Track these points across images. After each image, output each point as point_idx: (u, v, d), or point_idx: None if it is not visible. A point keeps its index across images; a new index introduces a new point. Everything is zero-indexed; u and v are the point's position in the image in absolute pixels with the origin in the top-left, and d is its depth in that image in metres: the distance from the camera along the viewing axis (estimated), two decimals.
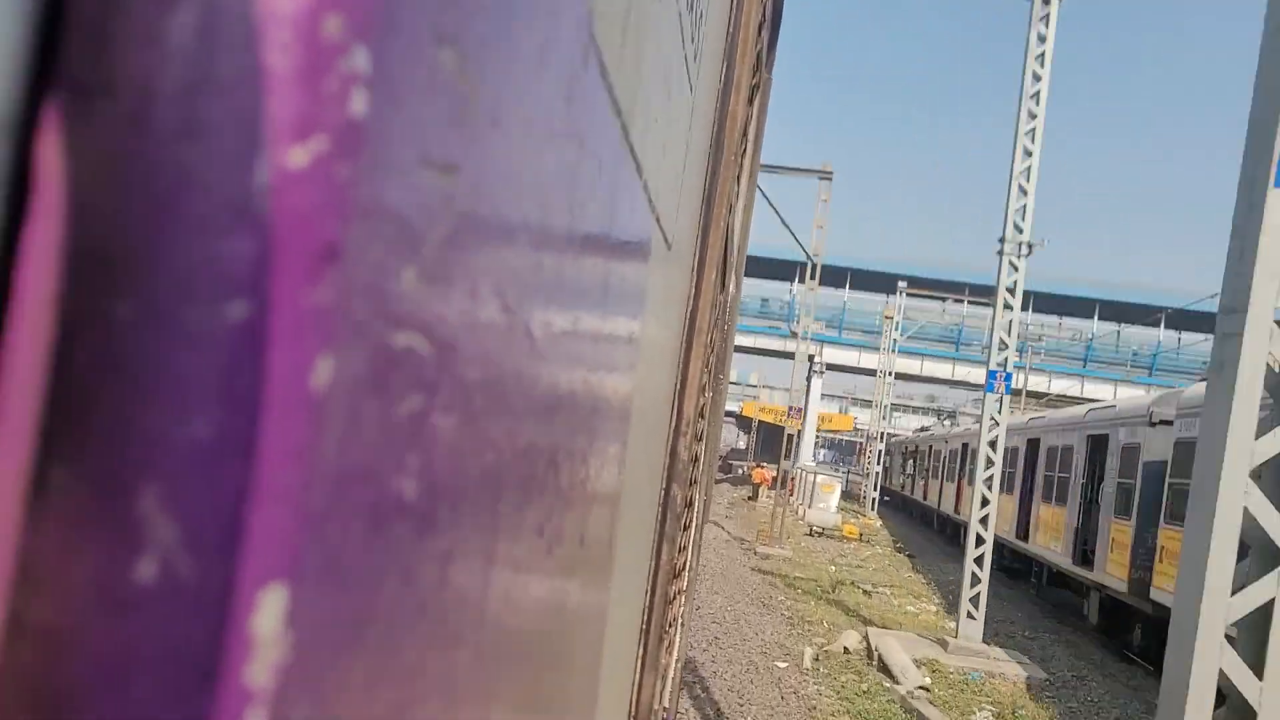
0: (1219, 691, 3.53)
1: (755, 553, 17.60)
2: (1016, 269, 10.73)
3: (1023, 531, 18.28)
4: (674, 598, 2.07)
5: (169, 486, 0.23)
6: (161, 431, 0.23)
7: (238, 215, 0.24)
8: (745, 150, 2.02)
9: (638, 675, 1.46)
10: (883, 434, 36.72)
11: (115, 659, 0.23)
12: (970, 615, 10.96)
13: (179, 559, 0.24)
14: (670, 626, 2.16)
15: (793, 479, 25.77)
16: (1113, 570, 12.95)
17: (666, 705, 2.47)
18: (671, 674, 2.57)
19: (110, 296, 0.23)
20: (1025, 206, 10.71)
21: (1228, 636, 3.53)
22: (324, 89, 0.25)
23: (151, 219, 0.23)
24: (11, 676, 0.23)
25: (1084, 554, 14.55)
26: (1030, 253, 10.73)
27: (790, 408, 24.00)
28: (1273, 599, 3.61)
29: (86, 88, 0.23)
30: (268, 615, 0.25)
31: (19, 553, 0.23)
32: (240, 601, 0.24)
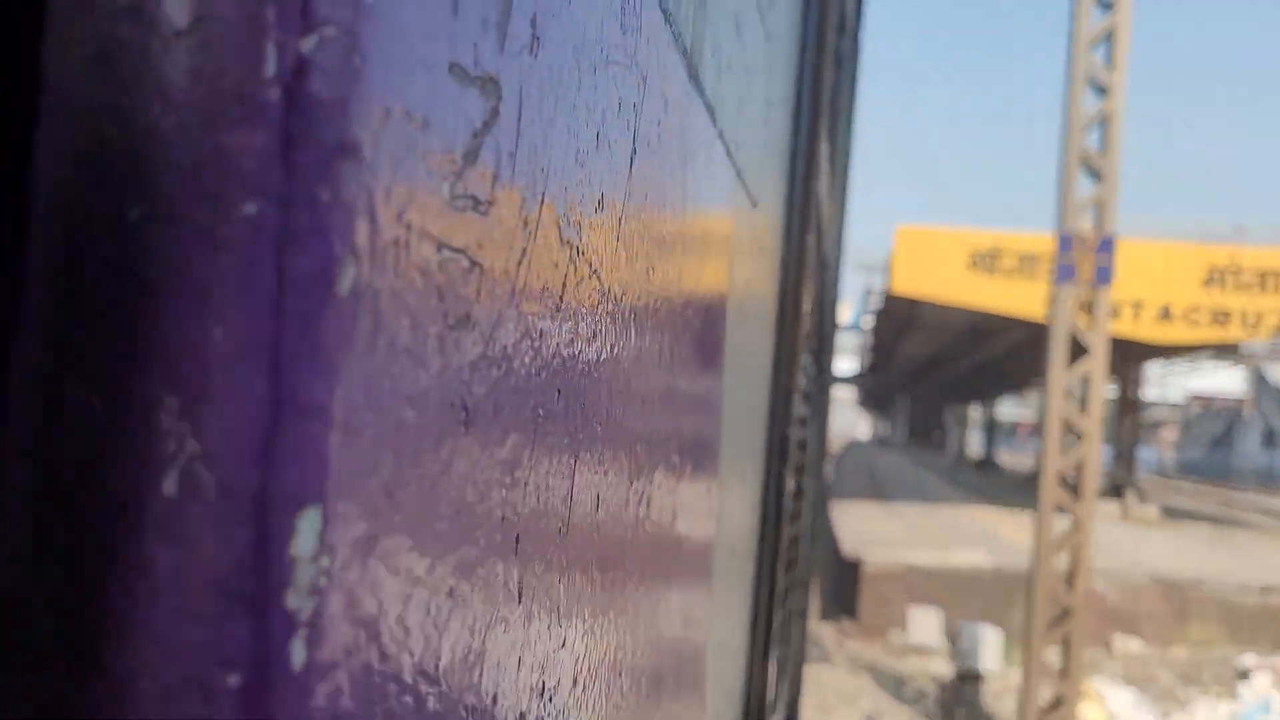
0: None
1: None
2: None
3: None
4: (787, 589, 2.03)
5: (190, 398, 0.22)
6: (179, 338, 0.22)
7: (246, 108, 0.22)
8: (835, 116, 1.96)
9: (751, 665, 1.43)
10: None
11: (144, 582, 0.22)
12: None
13: (204, 475, 0.22)
14: (785, 617, 2.12)
15: None
16: None
17: (784, 701, 2.42)
18: (788, 667, 2.53)
19: (119, 198, 0.22)
20: None
21: None
22: None
23: (157, 115, 0.22)
24: (41, 599, 0.22)
25: None
26: None
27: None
28: None
29: None
30: (304, 537, 0.23)
31: (41, 470, 0.22)
32: (273, 522, 0.23)
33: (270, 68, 0.22)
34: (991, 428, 42.33)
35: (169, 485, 0.22)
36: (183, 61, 0.22)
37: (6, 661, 0.22)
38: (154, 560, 0.22)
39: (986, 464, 35.25)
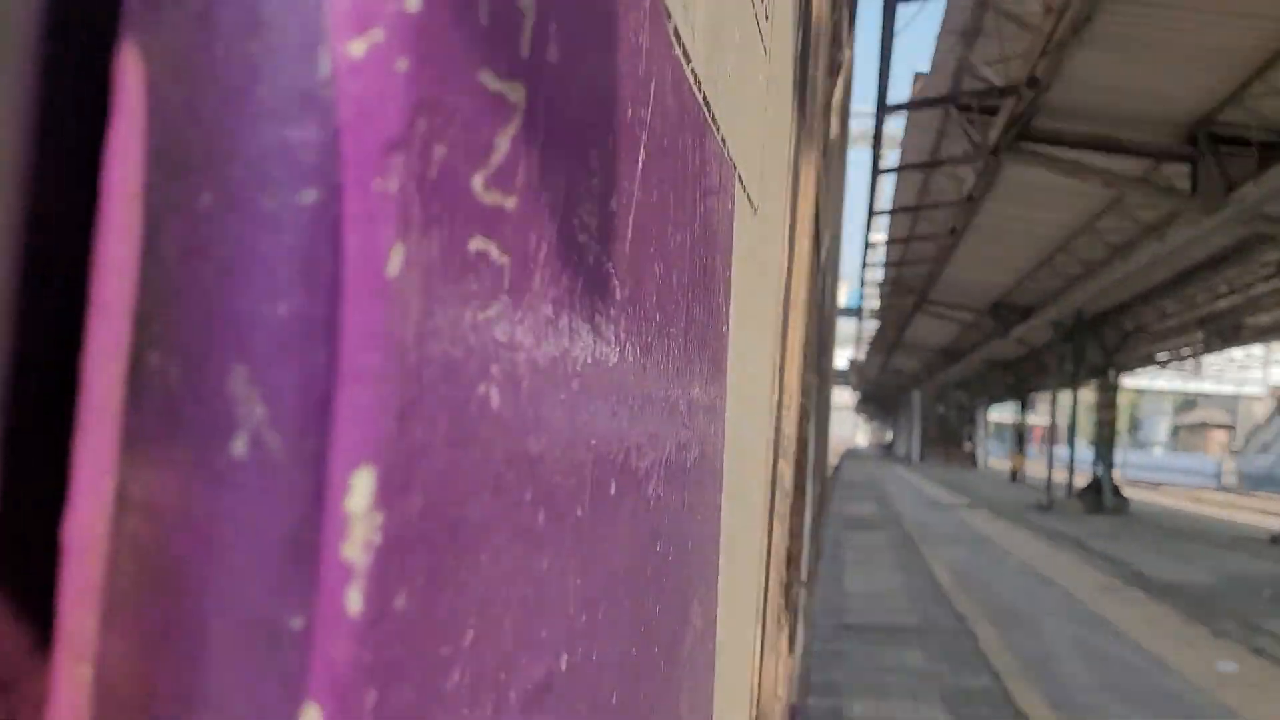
0: None
1: None
2: None
3: None
4: (791, 584, 2.06)
5: (257, 366, 0.24)
6: (247, 313, 0.24)
7: (303, 105, 0.25)
8: (830, 122, 2.00)
9: (757, 659, 1.45)
10: None
11: (217, 533, 0.24)
12: None
13: (270, 437, 0.24)
14: (790, 613, 2.14)
15: None
16: None
17: (792, 696, 2.45)
18: (795, 665, 2.55)
19: (191, 188, 0.24)
20: None
21: None
22: None
23: (223, 112, 0.24)
24: (123, 547, 0.24)
25: None
26: None
27: None
28: None
29: None
30: (359, 495, 0.26)
31: (122, 430, 0.24)
32: (332, 480, 0.25)
33: (325, 68, 0.25)
34: (1021, 432, 35.74)
35: (239, 446, 0.24)
36: (246, 63, 0.24)
37: (90, 606, 0.24)
38: (224, 515, 0.24)
39: (1095, 493, 21.19)
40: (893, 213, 15.38)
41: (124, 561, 0.24)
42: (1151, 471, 51.52)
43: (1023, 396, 35.29)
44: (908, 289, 21.61)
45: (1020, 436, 36.47)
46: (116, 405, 0.24)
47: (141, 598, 0.24)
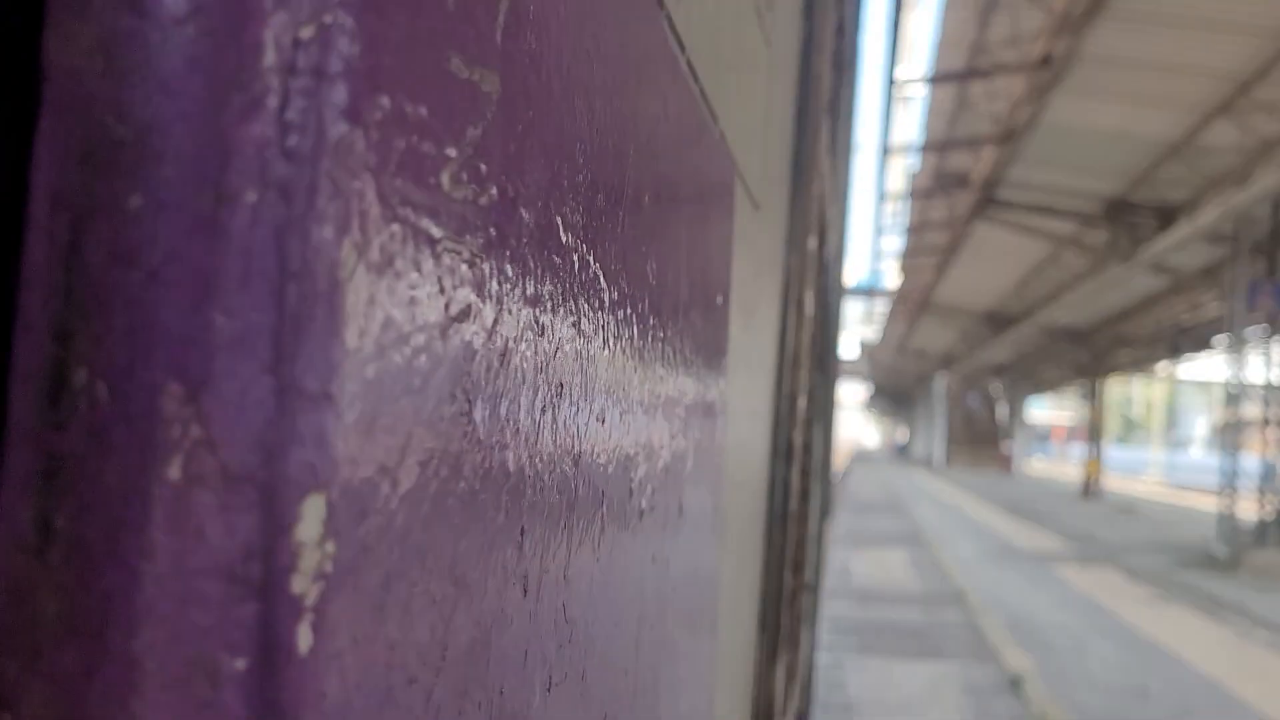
0: None
1: None
2: None
3: None
4: (796, 590, 2.03)
5: (193, 385, 0.22)
6: (181, 325, 0.22)
7: (246, 98, 0.23)
8: (836, 117, 1.96)
9: (761, 666, 1.42)
10: None
11: (149, 567, 0.22)
12: None
13: (209, 462, 0.22)
14: (794, 621, 2.11)
15: None
16: None
17: (797, 703, 2.42)
18: (799, 672, 2.52)
19: (120, 188, 0.22)
20: None
21: None
22: None
23: (157, 105, 0.22)
24: (44, 583, 0.22)
25: None
26: None
27: None
28: None
29: None
30: (309, 523, 0.24)
31: (43, 455, 0.22)
32: (279, 508, 0.23)
33: (269, 57, 0.23)
34: (1096, 429, 28.80)
35: (173, 471, 0.22)
36: (182, 51, 0.22)
37: (14, 647, 0.22)
38: (159, 545, 0.22)
39: None
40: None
41: (46, 598, 0.22)
42: (1198, 474, 42.19)
43: (1097, 377, 27.06)
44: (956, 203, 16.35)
45: (1095, 433, 28.11)
46: (40, 427, 0.22)
47: (66, 637, 0.22)
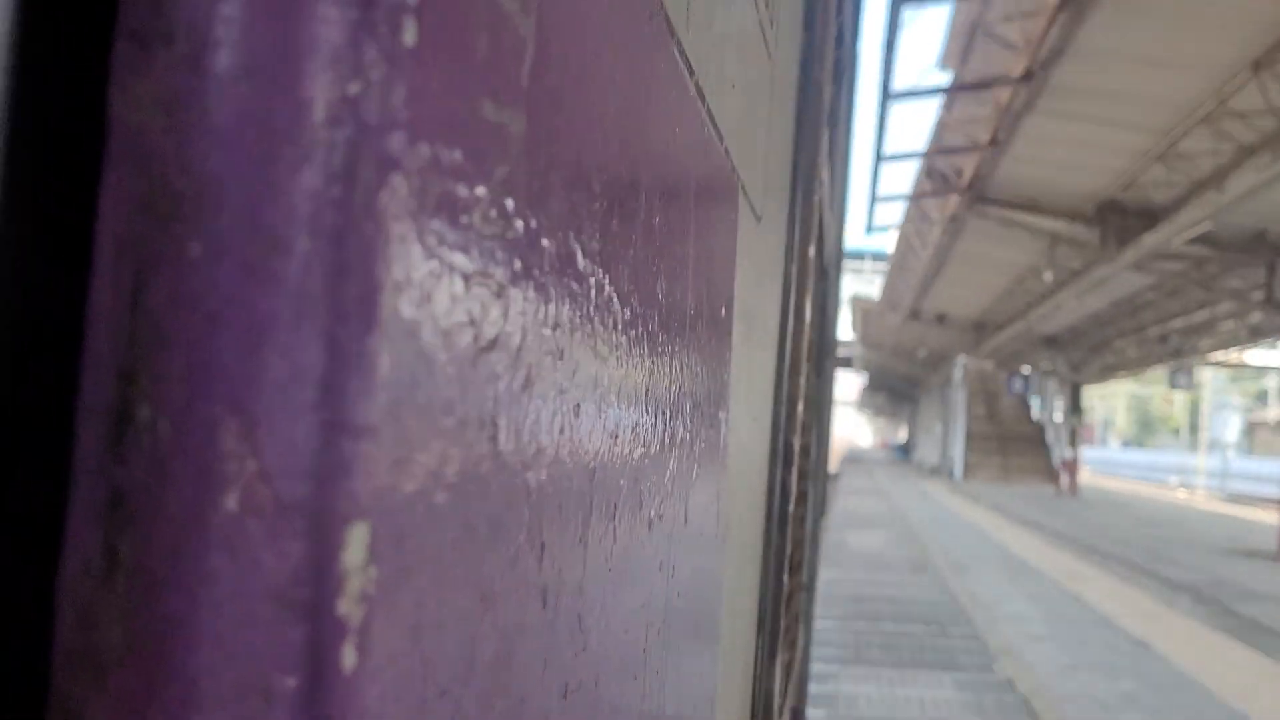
0: None
1: None
2: None
3: None
4: (792, 592, 2.05)
5: (249, 421, 0.24)
6: (238, 365, 0.24)
7: (297, 150, 0.24)
8: (835, 125, 1.98)
9: (759, 666, 1.44)
10: None
11: (207, 592, 0.24)
12: None
13: (262, 493, 0.24)
14: (791, 619, 2.13)
15: None
16: None
17: (793, 700, 2.45)
18: (795, 670, 2.54)
19: (180, 237, 0.24)
20: None
21: None
22: (373, 19, 0.25)
23: (213, 158, 0.24)
24: (110, 609, 0.23)
25: None
26: None
27: None
28: None
29: (146, 37, 0.24)
30: (354, 549, 0.25)
31: (109, 487, 0.23)
32: (327, 536, 0.24)
33: (319, 112, 0.24)
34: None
35: (230, 502, 0.24)
36: (237, 107, 0.24)
37: (81, 669, 0.23)
38: (217, 572, 0.24)
39: None
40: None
41: (111, 623, 0.23)
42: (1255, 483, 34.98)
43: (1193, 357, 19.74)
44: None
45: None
46: (105, 461, 0.23)
47: (131, 660, 0.23)
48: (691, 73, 0.60)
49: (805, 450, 1.89)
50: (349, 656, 0.25)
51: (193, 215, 0.24)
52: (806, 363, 1.49)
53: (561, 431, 0.41)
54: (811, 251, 1.30)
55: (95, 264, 0.23)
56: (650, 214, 0.53)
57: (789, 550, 1.72)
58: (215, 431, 0.23)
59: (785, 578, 1.68)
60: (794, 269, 1.23)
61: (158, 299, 0.23)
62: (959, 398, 30.91)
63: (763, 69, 0.92)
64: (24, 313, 0.24)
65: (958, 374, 30.50)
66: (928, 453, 40.82)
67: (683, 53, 0.57)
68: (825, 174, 1.59)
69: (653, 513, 0.59)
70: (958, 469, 31.15)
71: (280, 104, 0.24)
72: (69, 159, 0.24)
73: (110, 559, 0.23)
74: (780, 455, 1.32)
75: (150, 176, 0.23)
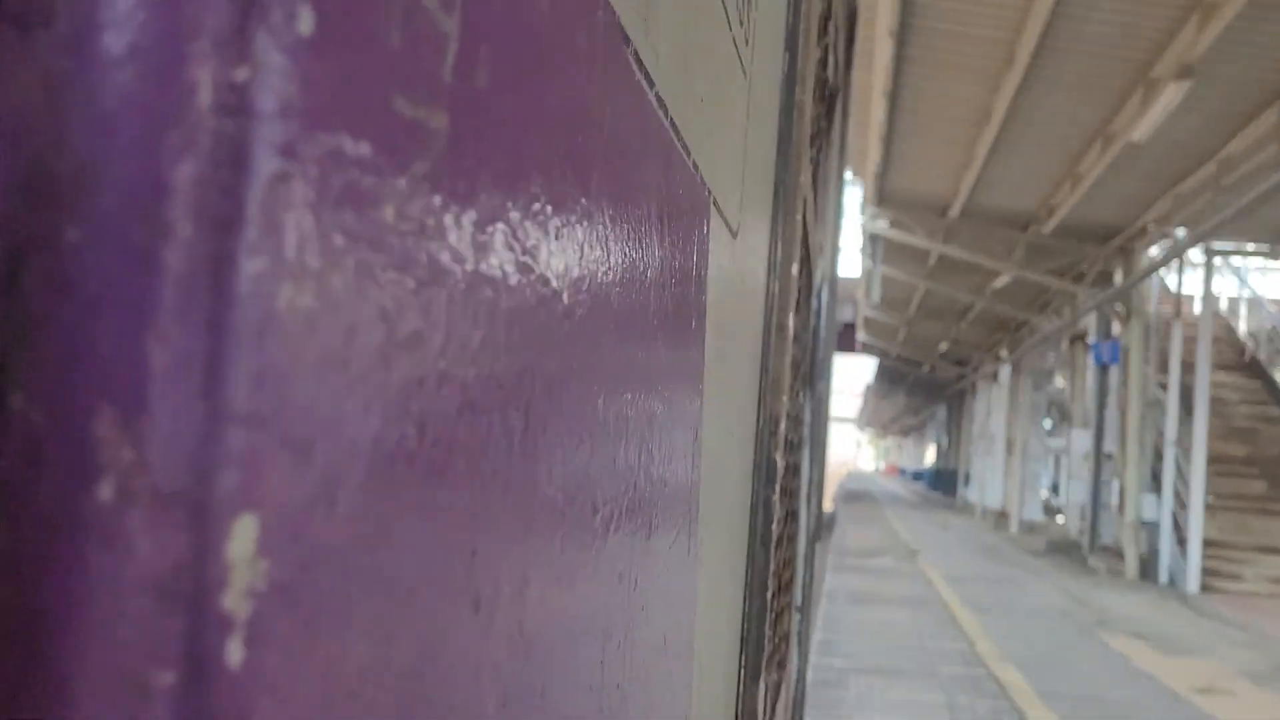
0: None
1: None
2: None
3: None
4: (780, 612, 2.03)
5: (127, 409, 0.23)
6: (117, 353, 0.23)
7: (183, 135, 0.24)
8: (821, 147, 1.99)
9: (742, 686, 1.43)
10: None
11: (79, 584, 0.23)
12: None
13: (141, 482, 0.23)
14: (780, 640, 2.11)
15: None
16: None
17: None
18: (784, 691, 2.52)
19: (59, 220, 0.23)
20: None
21: None
22: (265, 5, 0.24)
23: (95, 142, 0.23)
24: None
25: None
26: None
27: None
28: None
29: (25, 19, 0.23)
30: (240, 541, 0.24)
31: None
32: (208, 527, 0.24)
33: (206, 95, 0.24)
34: None
35: (105, 491, 0.23)
36: (119, 90, 0.23)
37: None
38: (90, 563, 0.23)
39: None
40: None
41: None
42: None
43: None
44: None
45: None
46: None
47: (1, 655, 0.23)
48: (651, 84, 0.60)
49: (794, 468, 1.88)
50: (234, 653, 0.24)
51: (72, 199, 0.23)
52: (792, 379, 1.49)
53: (504, 434, 0.40)
54: (795, 269, 1.30)
55: None
56: (604, 221, 0.52)
57: (776, 569, 1.71)
58: (90, 419, 0.23)
59: (772, 597, 1.67)
60: (776, 286, 1.23)
61: (33, 283, 0.23)
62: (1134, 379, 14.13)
63: (739, 86, 0.92)
64: None
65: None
66: (994, 490, 22.96)
67: (640, 63, 0.57)
68: (811, 194, 1.59)
69: (609, 523, 0.58)
70: (1192, 557, 13.07)
71: (165, 88, 0.24)
72: None
73: None
74: (763, 472, 1.31)
75: (28, 157, 0.23)
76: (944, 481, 31.08)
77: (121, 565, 0.23)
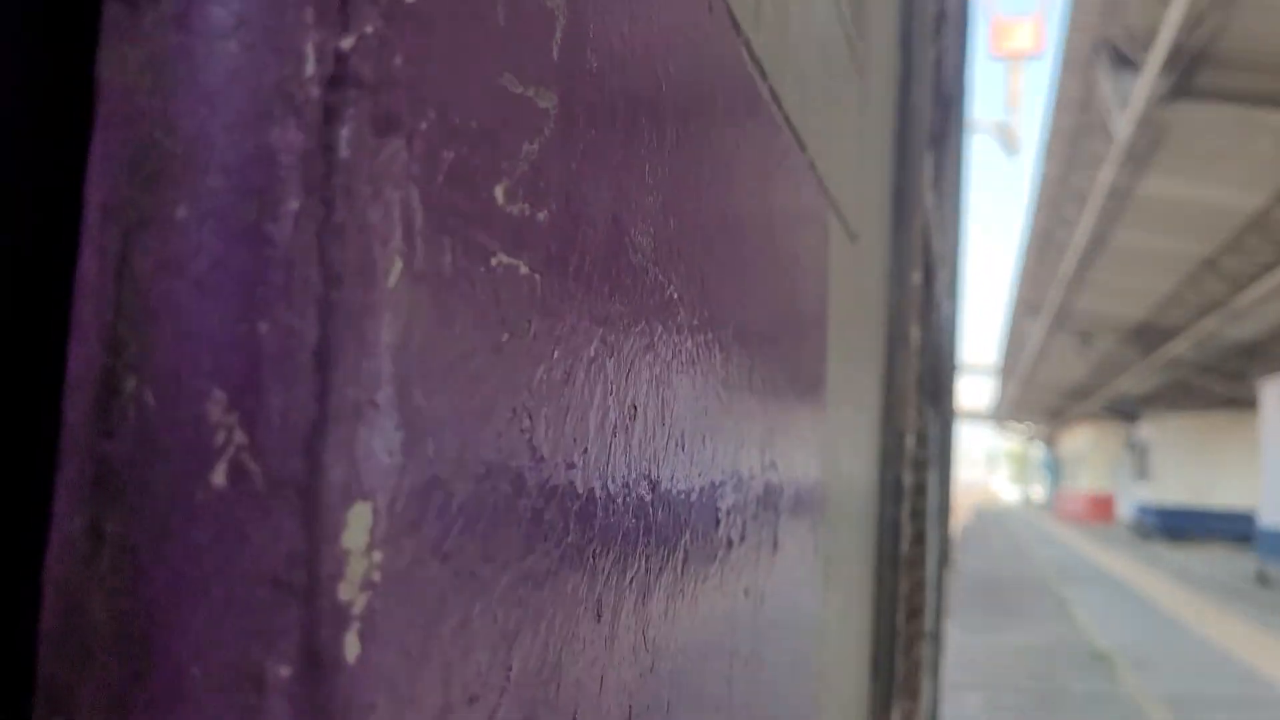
0: None
1: None
2: None
3: None
4: (912, 638, 1.96)
5: (238, 392, 0.22)
6: (227, 335, 0.23)
7: (288, 108, 0.23)
8: (940, 154, 1.93)
9: (873, 716, 1.37)
10: None
11: (194, 571, 0.22)
12: None
13: (254, 468, 0.22)
14: (911, 668, 2.03)
15: None
16: None
17: None
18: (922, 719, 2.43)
19: (167, 200, 0.23)
20: None
21: None
22: None
23: (201, 118, 0.23)
24: (95, 589, 0.22)
25: None
26: None
27: None
28: None
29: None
30: (355, 531, 0.23)
31: (94, 462, 0.22)
32: (324, 515, 0.23)
33: (310, 67, 0.23)
34: None
35: (218, 477, 0.22)
36: (226, 64, 0.23)
37: (66, 652, 0.22)
38: (204, 551, 0.22)
39: None
40: None
41: (96, 604, 0.22)
42: None
43: None
44: None
45: None
46: (91, 434, 0.22)
47: (115, 642, 0.22)
48: (764, 76, 0.58)
49: (920, 488, 1.81)
50: (351, 646, 0.23)
51: (180, 176, 0.23)
52: (916, 394, 1.44)
53: (614, 433, 0.39)
54: (916, 278, 1.26)
55: (83, 230, 0.23)
56: (717, 216, 0.51)
57: (906, 593, 1.65)
58: (202, 403, 0.22)
59: (902, 622, 1.61)
60: (898, 294, 1.19)
61: (145, 265, 0.23)
62: None
63: (851, 84, 0.89)
64: (12, 285, 0.24)
65: None
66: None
67: (752, 53, 0.55)
68: (931, 199, 1.54)
69: (732, 534, 0.56)
70: None
71: (270, 59, 0.23)
72: (59, 126, 0.24)
73: (95, 538, 0.22)
74: (890, 490, 1.26)
75: (137, 138, 0.23)
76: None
77: (236, 554, 0.22)
